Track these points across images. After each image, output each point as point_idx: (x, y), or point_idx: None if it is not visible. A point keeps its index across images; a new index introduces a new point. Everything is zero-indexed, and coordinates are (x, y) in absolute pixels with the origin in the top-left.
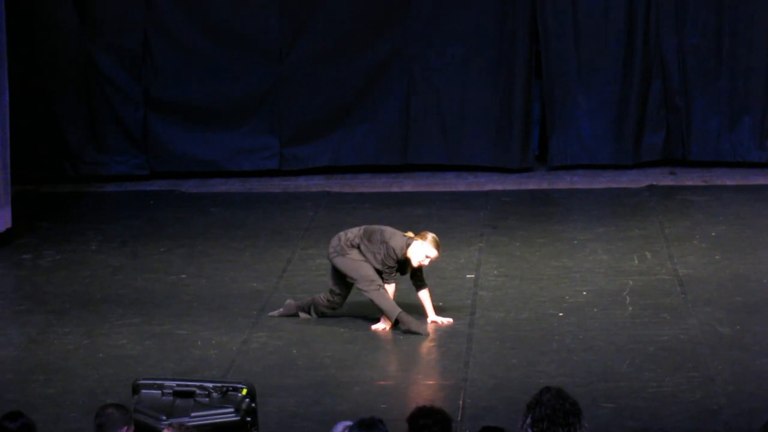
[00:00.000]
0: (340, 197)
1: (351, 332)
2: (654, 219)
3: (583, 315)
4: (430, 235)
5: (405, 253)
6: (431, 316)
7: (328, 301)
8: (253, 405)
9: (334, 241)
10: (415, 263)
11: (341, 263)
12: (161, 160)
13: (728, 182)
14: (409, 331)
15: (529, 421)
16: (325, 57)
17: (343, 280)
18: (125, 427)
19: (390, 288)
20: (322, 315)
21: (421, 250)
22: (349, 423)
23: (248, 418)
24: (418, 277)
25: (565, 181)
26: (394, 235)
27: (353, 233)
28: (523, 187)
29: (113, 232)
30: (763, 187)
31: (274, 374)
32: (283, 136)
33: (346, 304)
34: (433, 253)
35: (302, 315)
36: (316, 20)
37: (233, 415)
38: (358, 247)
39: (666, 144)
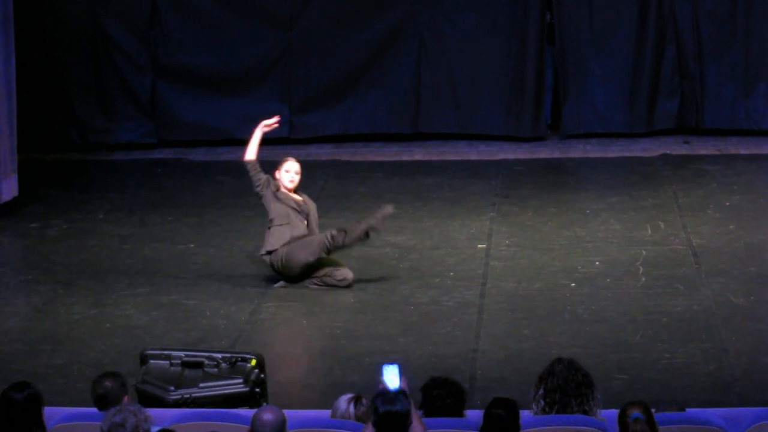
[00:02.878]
0: (351, 166)
1: (361, 302)
2: (667, 188)
3: (595, 285)
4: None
5: (279, 184)
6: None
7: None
8: (262, 376)
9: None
10: (287, 184)
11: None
12: (169, 128)
13: (742, 151)
14: (374, 227)
15: (541, 392)
16: (336, 24)
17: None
18: (125, 397)
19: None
20: (331, 285)
21: (281, 172)
22: (349, 396)
23: (257, 389)
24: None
25: (577, 150)
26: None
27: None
28: (535, 156)
29: (121, 201)
30: None
31: (283, 345)
32: (293, 103)
33: (355, 274)
34: (289, 164)
35: (312, 286)
36: None
37: (242, 385)
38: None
39: (680, 111)
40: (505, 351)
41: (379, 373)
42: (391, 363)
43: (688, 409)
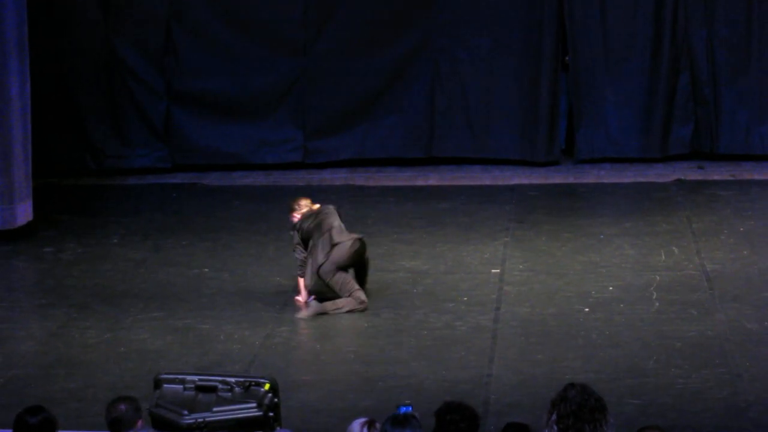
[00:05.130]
0: (365, 191)
1: (375, 327)
2: (681, 214)
3: (609, 310)
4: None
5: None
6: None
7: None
8: (276, 400)
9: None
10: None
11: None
12: (184, 153)
13: (757, 177)
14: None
15: (554, 417)
16: (350, 49)
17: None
18: (140, 421)
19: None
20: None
21: None
22: (363, 420)
23: (271, 414)
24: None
25: (591, 175)
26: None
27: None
28: (549, 181)
29: (135, 226)
30: None
31: (297, 369)
32: (307, 128)
33: (368, 299)
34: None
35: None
36: (341, 11)
37: (256, 410)
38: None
39: (694, 137)
40: (519, 376)
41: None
42: (405, 407)
43: None
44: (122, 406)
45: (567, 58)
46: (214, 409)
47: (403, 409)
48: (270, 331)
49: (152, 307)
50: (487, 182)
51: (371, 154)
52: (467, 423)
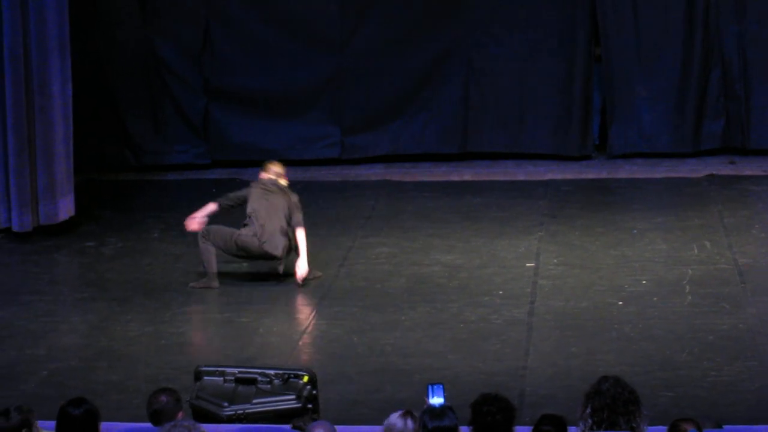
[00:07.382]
0: (400, 186)
1: (411, 320)
2: (713, 208)
3: (642, 304)
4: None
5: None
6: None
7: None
8: (314, 392)
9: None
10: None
11: None
12: (222, 149)
13: None
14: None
15: (589, 410)
16: (386, 46)
17: None
18: (180, 413)
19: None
20: None
21: None
22: (401, 412)
23: (309, 405)
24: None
25: (624, 170)
26: None
27: None
28: (582, 176)
29: (175, 221)
30: None
31: (334, 362)
32: (344, 124)
33: (404, 293)
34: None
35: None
36: (377, 9)
37: (294, 402)
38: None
39: (725, 132)
40: (554, 368)
41: (425, 393)
42: (436, 384)
43: (725, 426)
44: (163, 398)
45: (598, 51)
46: (254, 400)
47: (435, 391)
48: (308, 325)
49: (192, 301)
50: (521, 177)
51: (407, 149)
52: (503, 414)
